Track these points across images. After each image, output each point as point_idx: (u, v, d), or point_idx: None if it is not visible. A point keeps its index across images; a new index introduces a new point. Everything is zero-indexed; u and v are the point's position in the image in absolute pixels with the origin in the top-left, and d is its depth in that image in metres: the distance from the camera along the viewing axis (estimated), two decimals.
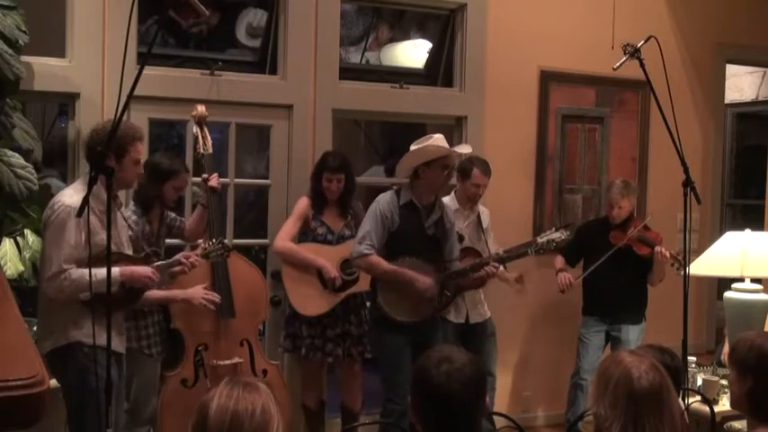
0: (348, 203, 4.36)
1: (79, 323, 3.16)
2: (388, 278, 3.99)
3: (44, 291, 3.19)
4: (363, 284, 4.24)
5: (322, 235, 4.28)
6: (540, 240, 4.30)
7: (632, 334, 4.79)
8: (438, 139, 4.04)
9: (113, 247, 3.14)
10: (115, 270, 3.07)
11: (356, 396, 4.45)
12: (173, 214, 4.07)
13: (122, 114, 2.67)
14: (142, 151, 3.37)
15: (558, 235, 4.32)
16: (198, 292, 3.82)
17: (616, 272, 4.68)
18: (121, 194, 3.74)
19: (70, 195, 3.19)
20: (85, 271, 2.98)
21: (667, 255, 4.59)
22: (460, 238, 4.42)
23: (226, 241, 3.81)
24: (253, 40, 5.21)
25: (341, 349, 4.25)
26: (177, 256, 3.53)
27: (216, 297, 3.85)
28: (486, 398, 2.15)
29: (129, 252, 3.42)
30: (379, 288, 4.04)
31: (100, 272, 2.92)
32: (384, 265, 3.97)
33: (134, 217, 3.75)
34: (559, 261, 4.94)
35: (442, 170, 3.98)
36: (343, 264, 4.24)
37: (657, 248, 4.63)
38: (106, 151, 2.80)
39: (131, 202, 3.85)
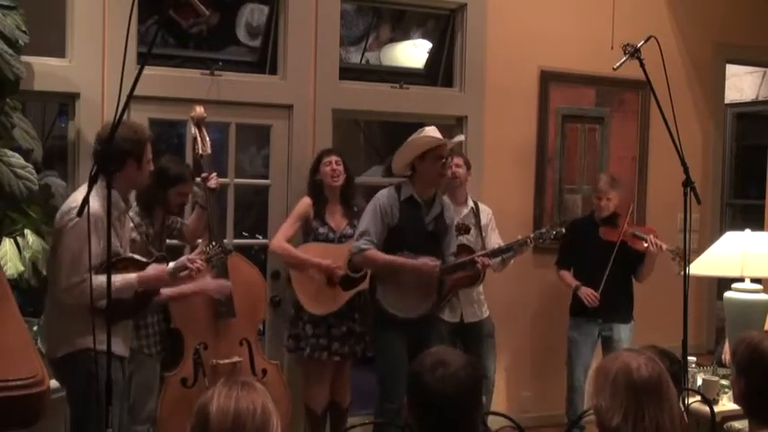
0: (350, 199, 4.34)
1: (89, 330, 3.14)
2: (387, 270, 3.99)
3: (61, 298, 3.14)
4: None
5: (323, 234, 4.26)
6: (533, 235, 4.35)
7: (624, 333, 4.77)
8: (430, 131, 4.03)
9: (121, 252, 3.17)
10: (132, 276, 3.16)
11: (345, 392, 4.43)
12: (173, 216, 4.06)
13: (122, 114, 2.67)
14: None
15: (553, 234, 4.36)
16: (209, 283, 3.79)
17: (606, 270, 4.65)
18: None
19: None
20: (104, 278, 2.86)
21: (662, 246, 4.57)
22: (466, 229, 4.40)
23: (226, 241, 3.80)
24: (253, 40, 5.20)
25: (347, 347, 4.24)
26: (182, 260, 3.49)
27: (226, 283, 3.84)
28: (483, 399, 2.15)
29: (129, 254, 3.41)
30: (378, 283, 4.04)
31: (118, 279, 3.03)
32: (382, 257, 3.97)
33: (137, 219, 3.75)
34: (569, 277, 4.84)
35: (436, 161, 3.98)
36: (351, 262, 4.21)
37: (651, 238, 4.59)
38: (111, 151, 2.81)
39: (134, 204, 3.83)
